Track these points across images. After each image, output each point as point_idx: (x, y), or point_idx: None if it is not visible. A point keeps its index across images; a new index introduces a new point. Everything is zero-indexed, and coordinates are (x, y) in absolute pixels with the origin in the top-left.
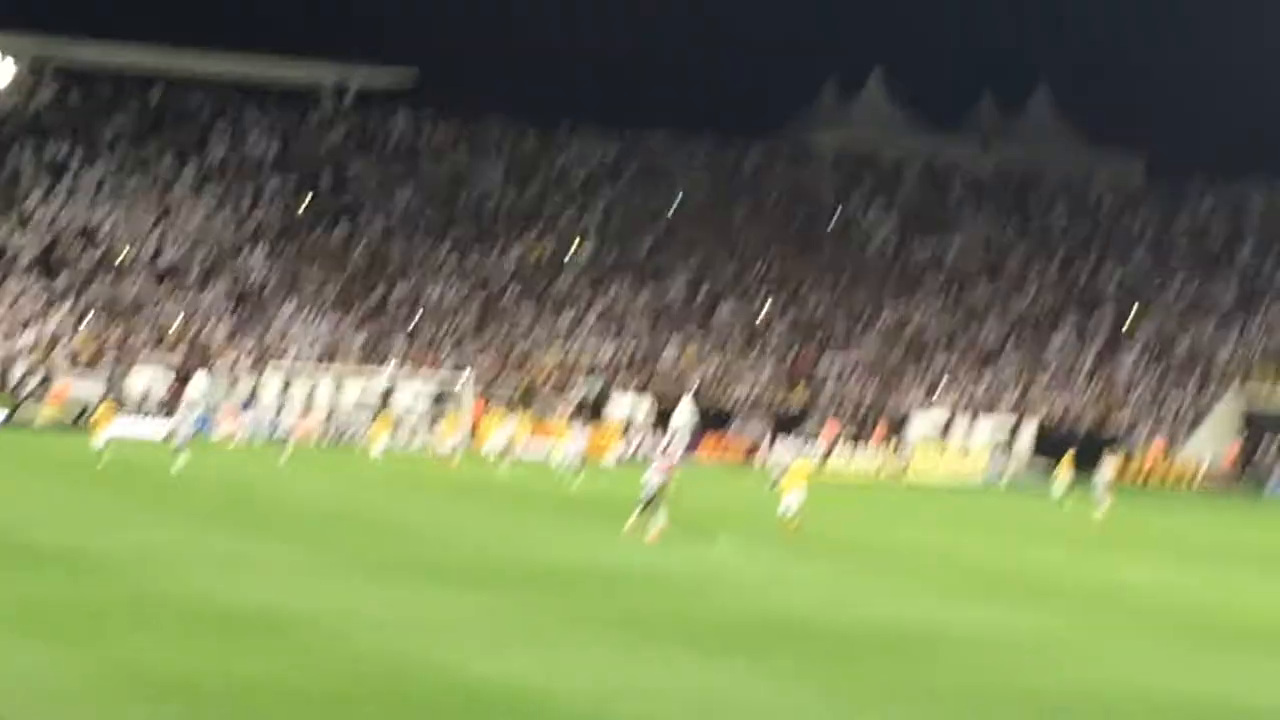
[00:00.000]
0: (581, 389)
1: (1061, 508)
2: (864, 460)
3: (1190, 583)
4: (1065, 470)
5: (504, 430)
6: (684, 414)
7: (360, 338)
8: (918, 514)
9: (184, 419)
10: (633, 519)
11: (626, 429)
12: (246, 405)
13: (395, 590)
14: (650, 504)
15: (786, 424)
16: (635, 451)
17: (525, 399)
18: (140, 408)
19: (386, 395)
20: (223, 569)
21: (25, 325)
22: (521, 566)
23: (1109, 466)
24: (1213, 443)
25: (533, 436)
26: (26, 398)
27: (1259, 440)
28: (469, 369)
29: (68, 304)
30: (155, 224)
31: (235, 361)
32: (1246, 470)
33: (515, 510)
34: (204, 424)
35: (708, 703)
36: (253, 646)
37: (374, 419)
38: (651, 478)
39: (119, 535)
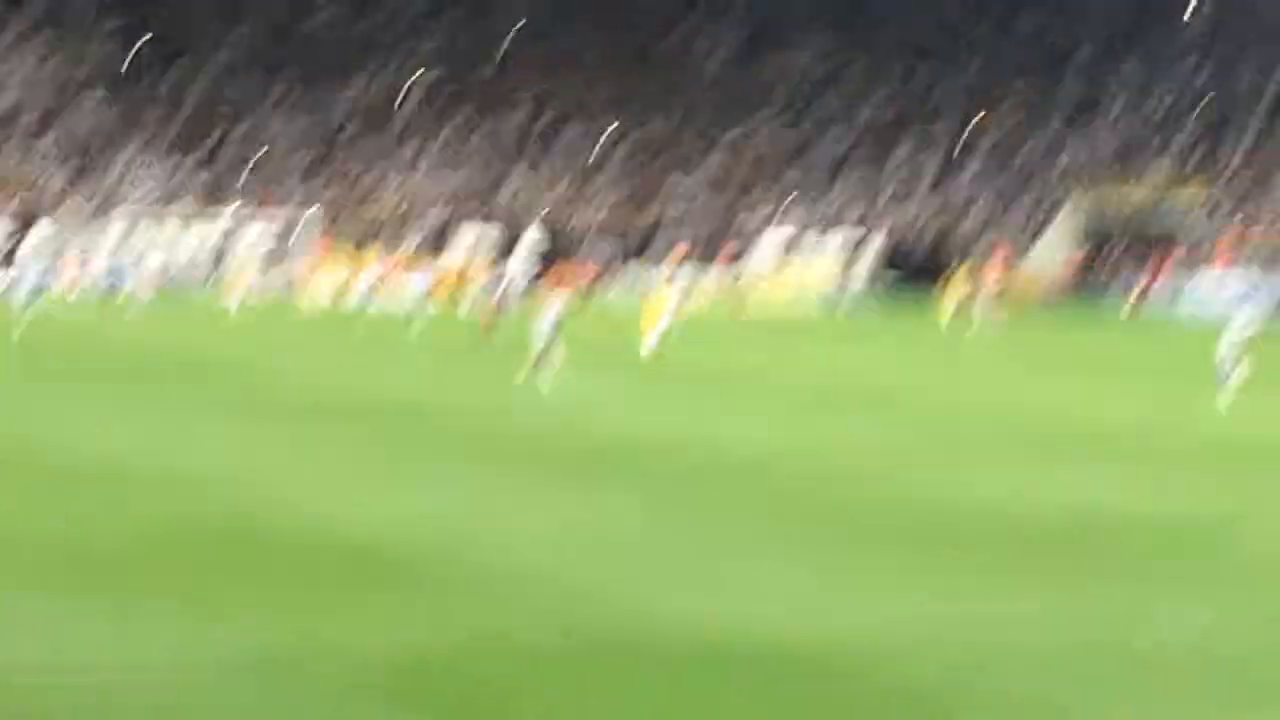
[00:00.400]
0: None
1: (951, 325)
2: (709, 282)
3: (1035, 394)
4: (955, 287)
5: (363, 271)
6: (530, 243)
7: (200, 180)
8: (764, 334)
9: (23, 274)
10: (528, 368)
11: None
12: (87, 254)
13: (237, 433)
14: (546, 349)
15: (634, 248)
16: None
17: (370, 236)
18: None
19: (228, 238)
20: (59, 421)
21: None
22: (368, 404)
23: (989, 281)
24: (1057, 251)
25: (382, 274)
26: None
27: (1103, 246)
28: (312, 208)
29: None
30: None
31: (74, 210)
32: (1090, 278)
33: (363, 348)
34: (45, 277)
35: (564, 532)
36: (93, 497)
37: (219, 264)
38: (543, 325)
39: None
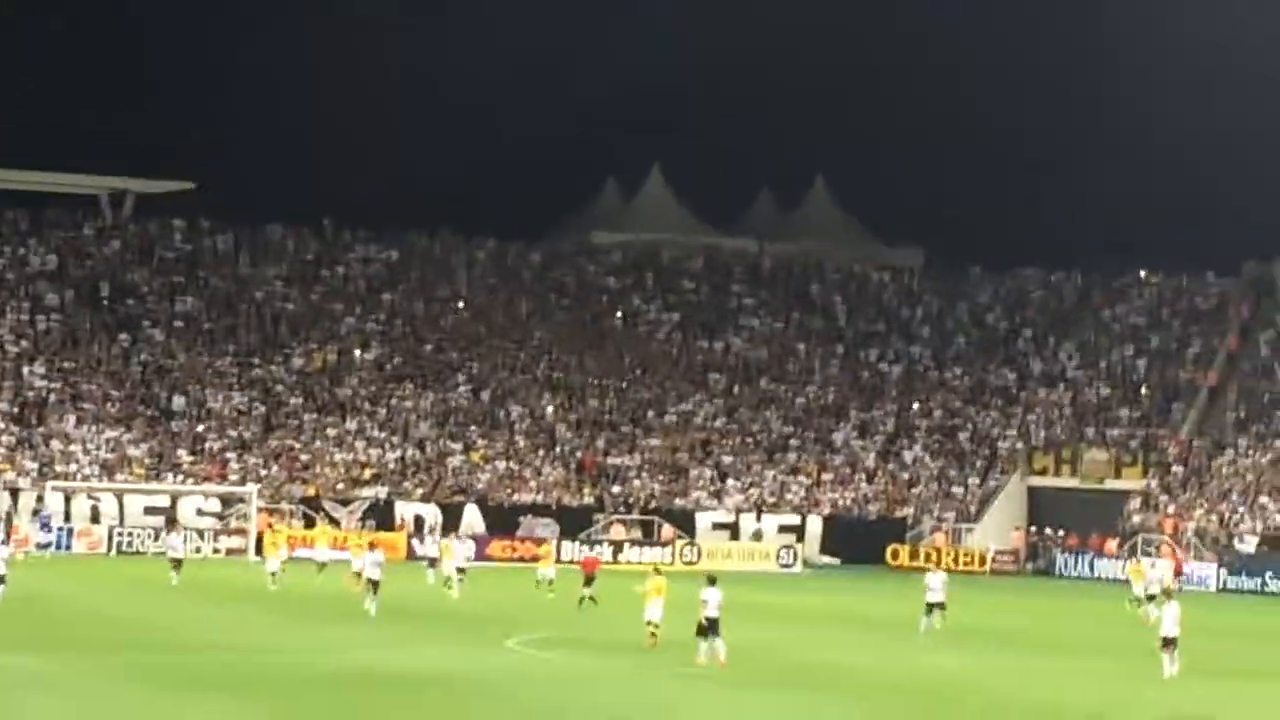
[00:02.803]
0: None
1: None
2: (654, 555)
3: (981, 669)
4: (1140, 573)
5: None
6: (468, 522)
7: (144, 449)
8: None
9: None
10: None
11: (419, 533)
12: (36, 520)
13: (183, 701)
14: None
15: (575, 524)
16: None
17: (308, 508)
18: None
19: (171, 507)
20: (12, 690)
21: None
22: (322, 673)
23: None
24: (998, 529)
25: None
26: None
27: (1042, 525)
28: (252, 484)
29: None
30: None
31: (16, 477)
32: (1032, 555)
33: (306, 616)
34: None
35: None
36: None
37: (167, 532)
38: (710, 600)
39: None
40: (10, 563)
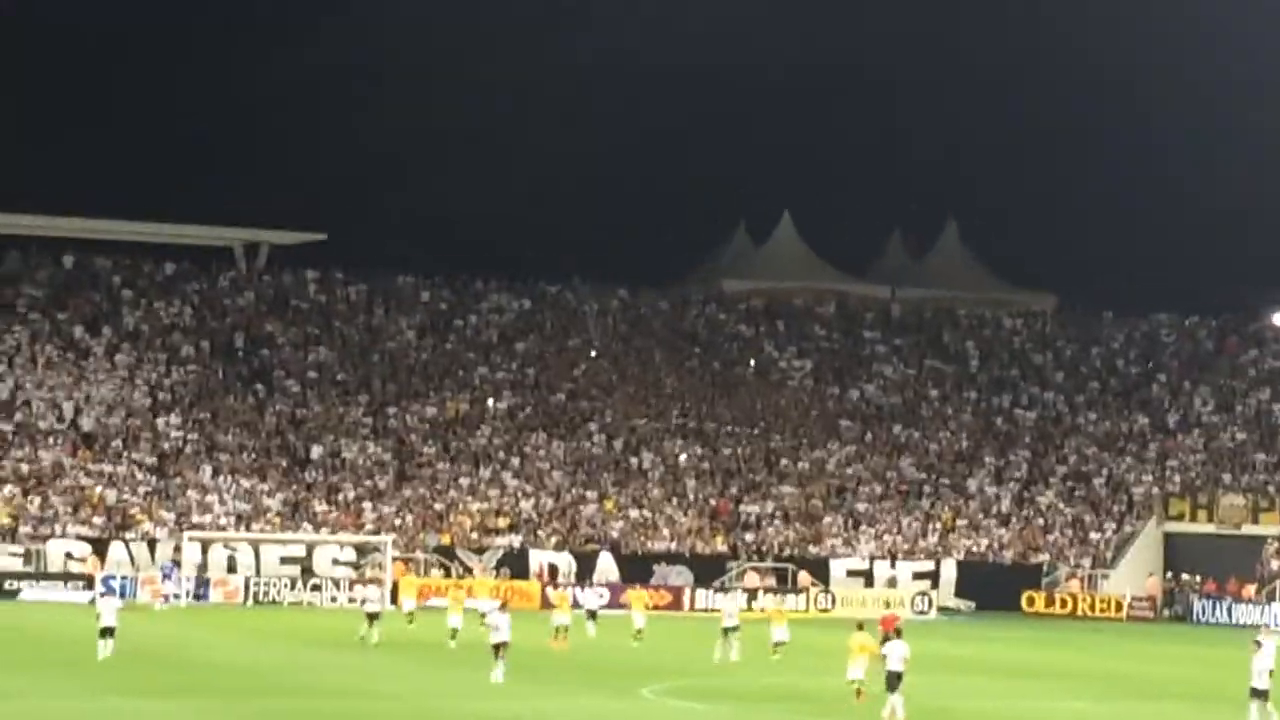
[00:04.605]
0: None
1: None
2: (789, 604)
3: (1112, 715)
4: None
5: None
6: (602, 570)
7: (278, 500)
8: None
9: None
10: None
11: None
12: (167, 573)
13: None
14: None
15: (708, 572)
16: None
17: (442, 558)
18: (61, 577)
19: (307, 557)
20: None
21: None
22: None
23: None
24: (1134, 575)
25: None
26: None
27: (1178, 571)
28: (386, 533)
29: None
30: (70, 391)
31: (153, 528)
32: (1169, 602)
33: (448, 664)
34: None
35: None
36: None
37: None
38: (892, 653)
39: (35, 703)
40: (125, 612)
